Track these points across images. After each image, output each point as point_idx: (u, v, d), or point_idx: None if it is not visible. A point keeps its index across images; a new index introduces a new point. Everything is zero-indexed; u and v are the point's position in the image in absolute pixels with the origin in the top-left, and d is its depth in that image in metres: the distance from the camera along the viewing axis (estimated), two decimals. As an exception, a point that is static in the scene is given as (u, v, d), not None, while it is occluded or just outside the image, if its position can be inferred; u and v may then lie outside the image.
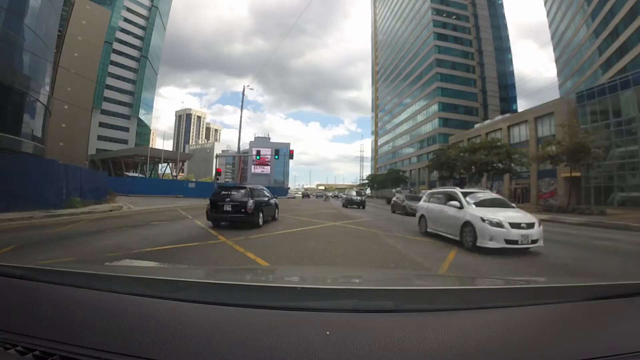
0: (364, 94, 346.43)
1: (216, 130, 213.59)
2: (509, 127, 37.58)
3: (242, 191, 9.63)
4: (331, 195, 60.04)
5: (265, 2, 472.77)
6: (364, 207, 23.24)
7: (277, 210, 12.04)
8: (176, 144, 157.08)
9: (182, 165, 69.21)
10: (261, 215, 9.78)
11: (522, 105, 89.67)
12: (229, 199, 9.27)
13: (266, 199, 10.92)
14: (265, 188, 12.23)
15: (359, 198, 24.36)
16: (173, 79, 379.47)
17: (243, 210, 9.05)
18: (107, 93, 63.71)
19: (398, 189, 42.94)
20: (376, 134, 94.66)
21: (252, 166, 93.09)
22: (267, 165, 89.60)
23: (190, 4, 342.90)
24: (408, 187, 54.97)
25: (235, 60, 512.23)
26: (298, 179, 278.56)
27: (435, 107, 57.78)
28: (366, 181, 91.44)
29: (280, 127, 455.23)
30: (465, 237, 6.65)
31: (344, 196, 28.04)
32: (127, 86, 67.41)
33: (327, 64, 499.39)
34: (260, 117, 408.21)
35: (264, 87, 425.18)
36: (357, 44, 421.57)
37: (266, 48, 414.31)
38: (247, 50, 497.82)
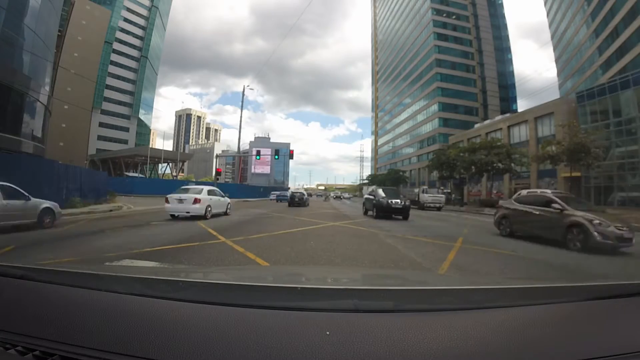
0: (364, 94, 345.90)
1: (216, 130, 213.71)
2: (509, 127, 37.59)
3: (302, 191, 29.08)
4: (332, 196, 58.89)
5: (265, 2, 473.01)
6: (406, 218, 13.91)
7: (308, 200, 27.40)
8: (176, 144, 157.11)
9: (182, 165, 69.21)
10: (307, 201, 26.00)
11: (522, 105, 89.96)
12: (299, 194, 25.48)
13: (305, 196, 25.97)
14: (304, 191, 29.47)
15: (400, 202, 14.02)
16: (173, 79, 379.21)
17: (304, 199, 25.04)
18: (107, 93, 63.74)
19: (424, 187, 31.11)
20: (376, 134, 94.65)
21: (252, 166, 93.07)
22: (267, 165, 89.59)
23: (190, 4, 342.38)
24: (416, 185, 52.46)
25: (235, 60, 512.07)
26: (298, 179, 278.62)
27: (435, 107, 57.78)
28: (366, 181, 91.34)
29: (280, 127, 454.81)
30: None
31: (369, 197, 16.14)
32: (127, 86, 67.43)
33: (327, 64, 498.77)
34: (260, 117, 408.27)
35: (264, 87, 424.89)
36: (357, 44, 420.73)
37: (266, 48, 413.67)
38: (247, 50, 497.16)
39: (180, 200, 11.37)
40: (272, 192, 44.84)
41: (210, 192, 12.38)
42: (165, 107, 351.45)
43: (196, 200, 11.28)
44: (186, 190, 12.07)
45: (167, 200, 11.61)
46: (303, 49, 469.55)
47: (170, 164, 60.56)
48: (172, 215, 11.48)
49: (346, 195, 70.15)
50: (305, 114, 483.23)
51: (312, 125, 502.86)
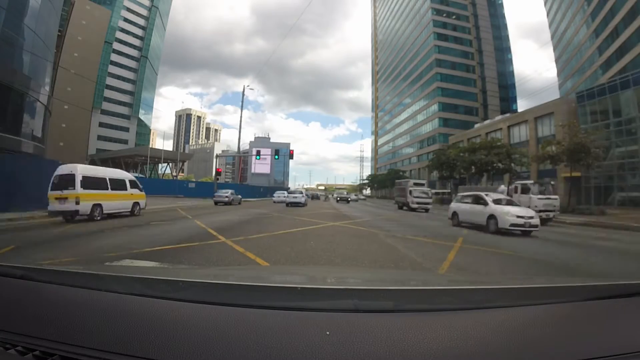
0: (364, 94, 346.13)
1: (216, 130, 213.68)
2: (509, 127, 37.59)
3: (315, 191, 68.15)
4: (335, 197, 50.33)
5: (266, 2, 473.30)
6: None
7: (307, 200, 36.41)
8: (176, 144, 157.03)
9: (182, 165, 69.14)
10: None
11: (522, 105, 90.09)
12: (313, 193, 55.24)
13: (317, 194, 58.42)
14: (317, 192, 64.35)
15: None
16: (173, 79, 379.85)
17: (317, 195, 55.86)
18: (107, 93, 63.72)
19: (523, 182, 17.34)
20: (376, 134, 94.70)
21: (252, 166, 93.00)
22: (267, 165, 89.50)
23: (190, 4, 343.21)
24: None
25: (235, 60, 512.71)
26: (298, 179, 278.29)
27: (435, 107, 57.80)
28: (366, 181, 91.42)
29: (281, 127, 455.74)
30: None
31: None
32: (127, 86, 67.42)
33: (327, 64, 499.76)
34: (260, 117, 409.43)
35: (264, 87, 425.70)
36: (357, 44, 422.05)
37: (266, 48, 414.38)
38: (247, 50, 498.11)
39: (295, 196, 24.83)
40: (289, 193, 73.54)
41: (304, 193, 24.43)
42: (165, 107, 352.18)
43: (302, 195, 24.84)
44: (294, 192, 23.64)
45: (275, 197, 24.96)
46: (303, 49, 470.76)
47: (170, 164, 60.52)
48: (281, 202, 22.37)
49: (353, 196, 50.03)
50: (306, 114, 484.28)
51: (312, 125, 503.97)
